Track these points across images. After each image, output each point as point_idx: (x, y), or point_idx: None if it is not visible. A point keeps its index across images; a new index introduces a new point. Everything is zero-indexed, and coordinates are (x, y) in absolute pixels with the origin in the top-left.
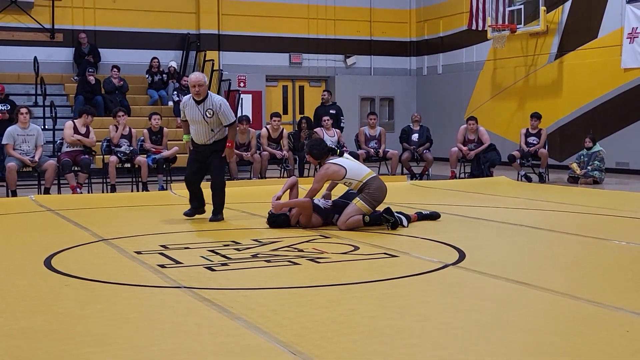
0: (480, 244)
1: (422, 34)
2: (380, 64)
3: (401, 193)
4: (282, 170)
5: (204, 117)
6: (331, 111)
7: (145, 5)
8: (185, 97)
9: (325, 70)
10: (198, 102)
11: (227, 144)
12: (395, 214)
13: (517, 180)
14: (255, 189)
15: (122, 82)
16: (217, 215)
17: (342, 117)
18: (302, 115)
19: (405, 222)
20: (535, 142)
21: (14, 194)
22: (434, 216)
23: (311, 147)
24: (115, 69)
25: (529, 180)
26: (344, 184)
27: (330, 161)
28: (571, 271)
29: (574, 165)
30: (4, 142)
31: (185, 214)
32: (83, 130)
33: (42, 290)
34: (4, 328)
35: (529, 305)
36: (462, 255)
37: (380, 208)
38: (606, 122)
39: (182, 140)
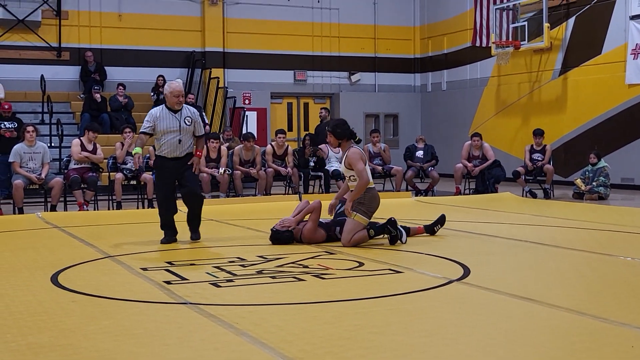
0: (485, 260)
1: (427, 50)
2: (385, 81)
3: (405, 209)
4: (287, 187)
5: (180, 126)
6: (328, 128)
7: (151, 23)
8: (155, 109)
9: (330, 87)
10: (175, 112)
11: (197, 153)
12: (399, 227)
13: (522, 196)
14: (260, 206)
15: (127, 100)
16: (198, 233)
17: None
18: (306, 132)
19: (404, 237)
20: (540, 158)
21: (21, 211)
22: (440, 221)
23: (336, 125)
24: (120, 87)
25: (534, 196)
26: (350, 178)
27: (353, 147)
28: (576, 287)
29: (579, 182)
30: (10, 159)
31: (164, 242)
32: (90, 147)
33: (49, 306)
34: (11, 344)
35: (534, 321)
36: (466, 271)
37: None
38: (611, 138)
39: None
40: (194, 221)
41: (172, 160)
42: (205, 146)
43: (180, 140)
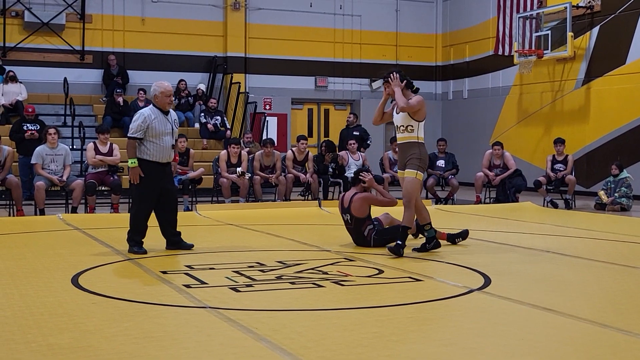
0: (505, 269)
1: (448, 58)
2: None
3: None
4: (306, 193)
5: (172, 129)
6: (355, 133)
7: (174, 28)
8: (145, 110)
9: (351, 93)
10: (165, 113)
11: (176, 158)
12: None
13: (543, 206)
14: (280, 211)
15: (149, 104)
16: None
17: (368, 137)
18: (324, 139)
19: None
20: (561, 168)
21: (42, 213)
22: (463, 235)
23: (402, 74)
24: (141, 92)
25: (555, 206)
26: (400, 128)
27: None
28: (598, 298)
29: (601, 194)
30: (32, 161)
31: (141, 252)
32: (105, 149)
33: (69, 308)
34: (32, 344)
35: (556, 332)
36: (487, 281)
37: None
38: (634, 149)
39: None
40: (175, 227)
41: (160, 166)
42: (226, 151)
43: (169, 144)
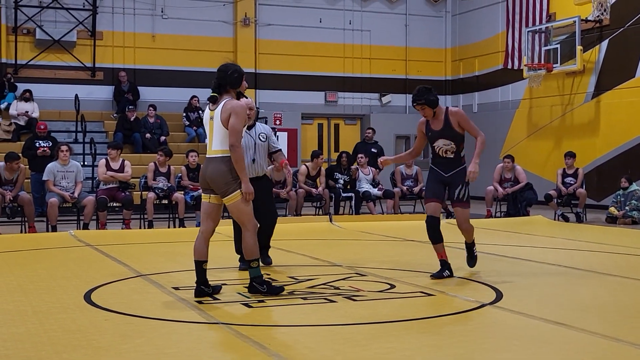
0: (517, 283)
1: (458, 72)
2: None
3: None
4: (317, 208)
5: (256, 144)
6: (373, 150)
7: (184, 44)
8: None
9: (361, 108)
10: (248, 128)
11: (281, 163)
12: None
13: (554, 219)
14: (291, 226)
15: (159, 121)
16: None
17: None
18: (341, 151)
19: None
20: (572, 182)
21: (54, 229)
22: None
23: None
24: (151, 108)
25: (566, 220)
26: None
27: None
28: (611, 312)
29: (612, 209)
30: (44, 178)
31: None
32: (116, 165)
33: (82, 325)
34: None
35: (568, 347)
36: (499, 295)
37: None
38: None
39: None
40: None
41: (253, 180)
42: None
43: (254, 160)
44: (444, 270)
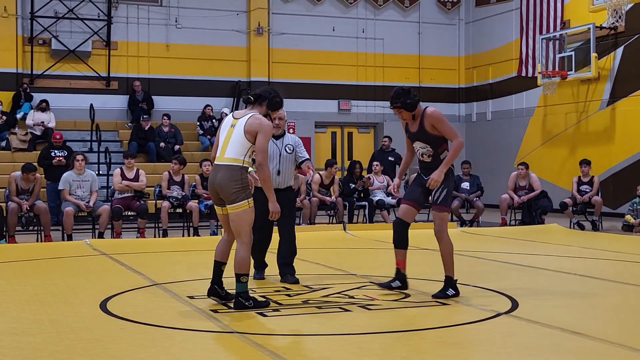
0: (533, 292)
1: (471, 80)
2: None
3: (452, 240)
4: (331, 216)
5: (281, 154)
6: (390, 158)
7: (198, 53)
8: None
9: (374, 116)
10: (276, 138)
11: (304, 171)
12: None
13: (570, 227)
14: (305, 235)
15: (173, 130)
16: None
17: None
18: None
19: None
20: (587, 190)
21: (70, 238)
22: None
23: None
24: (165, 117)
25: (582, 228)
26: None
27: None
28: (628, 321)
29: (629, 217)
30: (60, 187)
31: (256, 277)
32: (131, 174)
33: (98, 333)
34: None
35: (586, 357)
36: (514, 304)
37: None
38: None
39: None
40: (287, 257)
41: (277, 191)
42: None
43: (279, 171)
44: (394, 281)
